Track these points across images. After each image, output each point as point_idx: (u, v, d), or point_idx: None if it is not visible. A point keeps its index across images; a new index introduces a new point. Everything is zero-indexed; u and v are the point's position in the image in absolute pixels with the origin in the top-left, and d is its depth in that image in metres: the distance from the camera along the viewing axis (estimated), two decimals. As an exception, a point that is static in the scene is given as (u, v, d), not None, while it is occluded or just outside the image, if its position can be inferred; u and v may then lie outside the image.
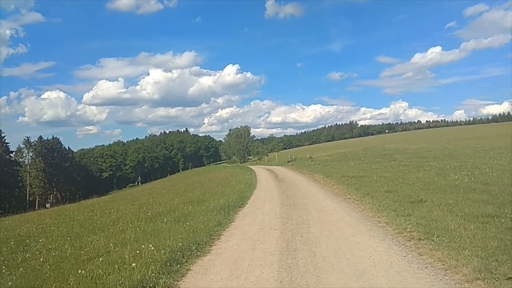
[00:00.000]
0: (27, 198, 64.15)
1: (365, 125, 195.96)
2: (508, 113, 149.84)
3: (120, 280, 4.42)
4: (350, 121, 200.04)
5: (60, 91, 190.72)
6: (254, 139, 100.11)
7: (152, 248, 5.51)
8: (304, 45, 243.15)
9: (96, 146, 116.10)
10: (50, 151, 72.19)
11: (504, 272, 3.71)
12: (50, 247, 8.05)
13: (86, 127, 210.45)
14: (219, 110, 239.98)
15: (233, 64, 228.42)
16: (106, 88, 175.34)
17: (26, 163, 70.64)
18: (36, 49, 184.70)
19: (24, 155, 72.06)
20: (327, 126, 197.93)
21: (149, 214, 10.64)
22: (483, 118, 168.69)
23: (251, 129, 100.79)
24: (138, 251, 5.55)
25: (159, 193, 21.01)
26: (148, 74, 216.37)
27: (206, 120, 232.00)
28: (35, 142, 71.88)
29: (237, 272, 4.60)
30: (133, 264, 4.79)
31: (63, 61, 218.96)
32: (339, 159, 31.12)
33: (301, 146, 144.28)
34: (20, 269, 6.11)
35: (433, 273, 4.00)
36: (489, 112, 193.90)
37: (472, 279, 3.72)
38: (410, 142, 48.82)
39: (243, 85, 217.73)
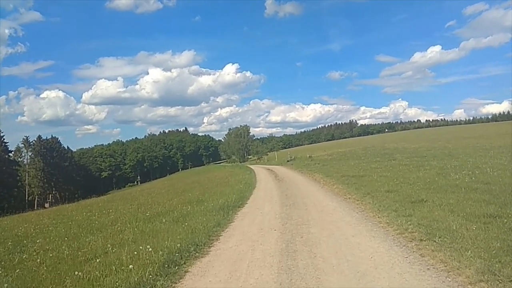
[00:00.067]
0: (26, 198, 63.94)
1: (364, 124, 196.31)
2: (508, 112, 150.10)
3: (117, 282, 4.35)
4: (350, 121, 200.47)
5: (59, 90, 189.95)
6: (254, 138, 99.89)
7: (150, 249, 5.44)
8: (303, 44, 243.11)
9: (95, 145, 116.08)
10: (49, 150, 72.02)
11: (507, 274, 3.64)
12: (47, 248, 7.97)
13: (85, 127, 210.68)
14: (219, 109, 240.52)
15: (233, 63, 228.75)
16: (105, 87, 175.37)
17: (25, 162, 70.39)
18: (35, 48, 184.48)
19: (23, 154, 71.90)
20: (326, 126, 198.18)
21: (147, 214, 10.56)
22: (483, 117, 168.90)
23: (250, 129, 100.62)
24: (135, 252, 5.49)
25: (158, 193, 20.93)
26: (148, 73, 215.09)
27: (205, 120, 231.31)
28: (34, 141, 71.68)
29: (236, 273, 4.52)
30: (130, 266, 4.72)
31: (62, 60, 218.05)
32: (339, 158, 31.06)
33: (301, 145, 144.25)
34: (17, 271, 6.04)
35: (435, 275, 3.93)
36: (489, 111, 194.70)
37: (475, 281, 3.65)
38: (410, 141, 48.81)
39: (243, 84, 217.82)
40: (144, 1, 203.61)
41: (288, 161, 38.16)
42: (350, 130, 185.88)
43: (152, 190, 26.97)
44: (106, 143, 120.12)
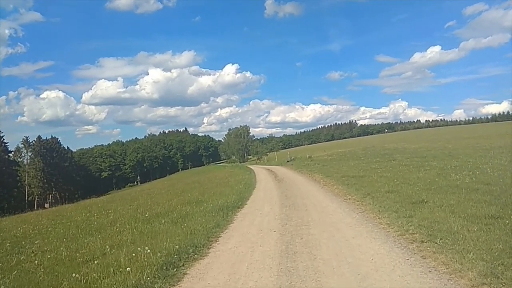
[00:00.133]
0: (26, 198, 63.90)
1: (364, 124, 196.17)
2: (508, 112, 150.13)
3: (114, 284, 4.30)
4: (349, 121, 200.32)
5: (59, 90, 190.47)
6: (254, 138, 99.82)
7: (149, 251, 5.38)
8: (303, 44, 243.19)
9: (95, 145, 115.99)
10: (49, 151, 71.96)
11: (510, 276, 3.58)
12: (45, 249, 7.92)
13: (85, 127, 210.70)
14: (219, 109, 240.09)
15: (233, 64, 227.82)
16: (105, 87, 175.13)
17: (25, 163, 70.38)
18: (35, 48, 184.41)
19: (23, 155, 71.95)
20: (326, 126, 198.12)
21: (146, 215, 10.50)
22: (483, 117, 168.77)
23: (250, 129, 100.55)
24: (134, 254, 5.42)
25: (158, 193, 20.88)
26: (147, 74, 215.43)
27: (205, 120, 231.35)
28: (34, 142, 71.64)
29: (235, 276, 4.47)
30: (128, 268, 4.65)
31: (62, 61, 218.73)
32: (338, 158, 31.04)
33: (301, 145, 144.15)
34: (14, 272, 5.96)
35: (437, 278, 3.88)
36: (488, 111, 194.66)
37: (478, 284, 3.59)
38: (410, 142, 48.80)
39: (243, 84, 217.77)
40: (144, 2, 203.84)
41: (288, 161, 38.13)
42: (350, 130, 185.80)
43: (151, 190, 26.92)
44: (106, 144, 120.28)
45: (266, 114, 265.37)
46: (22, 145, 71.28)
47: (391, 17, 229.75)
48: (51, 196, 67.57)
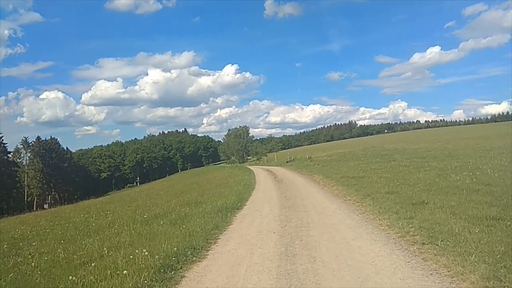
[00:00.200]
0: (25, 199, 63.76)
1: (364, 125, 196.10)
2: (507, 112, 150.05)
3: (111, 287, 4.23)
4: (349, 121, 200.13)
5: (58, 91, 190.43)
6: (253, 139, 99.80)
7: (146, 253, 5.32)
8: (303, 45, 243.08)
9: (94, 146, 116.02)
10: (48, 151, 71.83)
11: (513, 279, 3.52)
12: (43, 250, 7.84)
13: (85, 127, 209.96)
14: (218, 110, 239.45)
15: (232, 64, 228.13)
16: (105, 88, 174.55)
17: (24, 163, 70.26)
18: (35, 49, 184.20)
19: (22, 155, 71.80)
20: (326, 126, 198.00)
21: (145, 216, 10.44)
22: (482, 118, 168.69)
23: (250, 129, 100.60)
24: (131, 256, 5.36)
25: (157, 194, 20.83)
26: (147, 74, 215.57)
27: (205, 120, 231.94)
28: (33, 142, 71.56)
29: (234, 279, 4.40)
30: (125, 271, 4.59)
31: (62, 61, 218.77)
32: (338, 159, 31.00)
33: (300, 146, 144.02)
34: (11, 275, 5.89)
35: (439, 281, 3.81)
36: (488, 112, 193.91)
37: (481, 287, 3.53)
38: (410, 142, 48.76)
39: (242, 85, 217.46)
40: (143, 2, 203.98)
41: (287, 162, 38.09)
42: (350, 130, 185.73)
43: (151, 191, 26.87)
44: (106, 144, 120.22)
45: (266, 115, 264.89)
46: (21, 146, 71.24)
47: (390, 18, 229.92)
48: (50, 197, 67.37)
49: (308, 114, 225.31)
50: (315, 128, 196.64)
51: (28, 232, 11.83)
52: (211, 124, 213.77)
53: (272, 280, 4.25)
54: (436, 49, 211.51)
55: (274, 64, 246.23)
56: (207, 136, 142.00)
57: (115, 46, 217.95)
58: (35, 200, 65.89)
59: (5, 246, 9.50)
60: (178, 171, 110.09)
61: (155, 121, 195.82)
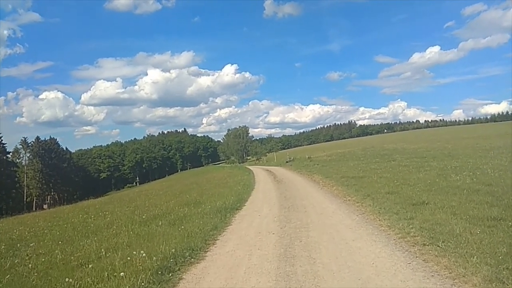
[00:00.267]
0: (24, 199, 63.68)
1: (364, 125, 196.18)
2: (507, 112, 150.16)
3: (108, 290, 4.17)
4: (348, 121, 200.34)
5: (58, 91, 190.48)
6: (253, 139, 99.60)
7: (144, 254, 5.25)
8: (302, 45, 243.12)
9: (94, 146, 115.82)
10: (47, 151, 71.70)
11: (516, 281, 3.47)
12: (40, 252, 7.77)
13: (84, 128, 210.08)
14: (218, 110, 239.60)
15: (232, 64, 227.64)
16: (104, 88, 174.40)
17: (23, 164, 70.18)
18: (34, 49, 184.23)
19: (21, 155, 71.69)
20: (325, 126, 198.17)
21: (144, 216, 10.37)
22: (482, 117, 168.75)
23: (249, 129, 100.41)
24: (129, 258, 5.30)
25: (156, 195, 20.75)
26: (146, 74, 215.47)
27: (204, 120, 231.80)
28: (32, 142, 71.46)
29: (232, 281, 4.34)
30: (122, 273, 4.52)
31: (61, 61, 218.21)
32: (338, 159, 30.95)
33: (300, 146, 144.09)
34: (7, 276, 5.83)
35: (440, 283, 3.76)
36: (487, 111, 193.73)
37: (483, 289, 3.48)
38: (409, 142, 48.71)
39: (242, 85, 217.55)
40: (143, 2, 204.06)
41: (287, 162, 38.00)
42: (349, 130, 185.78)
43: (150, 191, 26.79)
44: (105, 144, 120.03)
45: (265, 115, 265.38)
46: (21, 146, 71.16)
47: (390, 17, 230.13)
48: (50, 197, 67.31)
49: (308, 114, 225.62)
50: (314, 128, 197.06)
51: (26, 233, 11.75)
52: (210, 124, 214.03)
53: (271, 282, 4.19)
54: (436, 49, 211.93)
55: (273, 64, 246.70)
56: (207, 136, 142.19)
57: (115, 46, 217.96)
58: (35, 200, 65.77)
59: (3, 247, 9.42)
60: (177, 171, 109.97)
61: (154, 121, 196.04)
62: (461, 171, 12.48)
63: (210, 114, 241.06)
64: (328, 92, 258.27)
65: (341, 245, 5.42)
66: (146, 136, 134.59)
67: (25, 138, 71.77)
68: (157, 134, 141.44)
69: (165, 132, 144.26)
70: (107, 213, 13.74)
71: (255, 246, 5.80)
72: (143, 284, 4.24)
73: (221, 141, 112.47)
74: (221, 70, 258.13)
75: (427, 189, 9.44)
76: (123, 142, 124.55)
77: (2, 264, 7.22)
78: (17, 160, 70.58)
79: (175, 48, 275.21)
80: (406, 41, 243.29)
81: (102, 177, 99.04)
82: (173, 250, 5.50)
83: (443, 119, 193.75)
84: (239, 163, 76.66)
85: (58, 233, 10.58)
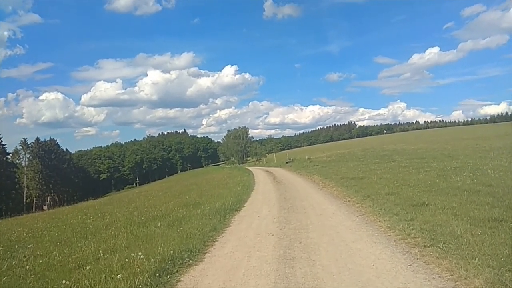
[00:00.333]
0: (24, 200, 63.60)
1: (363, 125, 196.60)
2: (506, 113, 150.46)
3: (105, 292, 4.11)
4: (348, 122, 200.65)
5: (58, 92, 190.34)
6: (253, 140, 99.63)
7: (142, 256, 5.20)
8: (302, 45, 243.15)
9: (94, 147, 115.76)
10: (47, 152, 71.63)
11: (519, 284, 3.42)
12: (38, 253, 7.72)
13: (84, 129, 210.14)
14: (218, 111, 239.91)
15: (232, 65, 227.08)
16: (104, 89, 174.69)
17: (23, 164, 70.09)
18: (34, 50, 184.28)
19: (21, 156, 71.56)
20: (325, 127, 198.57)
21: (143, 218, 10.32)
22: (481, 118, 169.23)
23: (249, 130, 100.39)
24: (127, 260, 5.25)
25: (155, 195, 20.69)
26: (146, 75, 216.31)
27: (204, 121, 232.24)
28: (32, 143, 71.39)
29: (231, 283, 4.29)
30: (119, 276, 4.47)
31: (61, 62, 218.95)
32: (337, 160, 30.89)
33: (300, 147, 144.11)
34: (4, 278, 5.78)
35: (442, 285, 3.70)
36: (487, 112, 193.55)
37: (485, 292, 3.42)
38: (409, 143, 48.63)
39: (242, 86, 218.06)
40: (143, 3, 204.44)
41: (286, 162, 37.92)
42: (349, 131, 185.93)
43: (149, 192, 26.73)
44: (105, 145, 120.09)
45: (265, 116, 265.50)
46: (21, 147, 71.04)
47: (389, 18, 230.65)
48: (50, 198, 67.17)
49: (308, 115, 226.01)
50: (314, 129, 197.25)
51: (25, 234, 11.69)
52: (210, 125, 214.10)
53: (270, 284, 4.14)
54: (435, 50, 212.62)
55: (273, 65, 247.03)
56: (207, 137, 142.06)
57: (115, 47, 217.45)
58: (34, 201, 65.62)
59: (1, 248, 9.35)
60: (177, 172, 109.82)
61: (154, 122, 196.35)
62: (461, 172, 12.43)
63: (210, 115, 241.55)
64: (328, 93, 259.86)
65: (341, 247, 5.37)
66: (146, 137, 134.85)
67: (25, 139, 71.83)
68: (157, 135, 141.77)
69: (165, 133, 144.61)
70: (106, 214, 13.67)
71: (254, 248, 5.74)
72: (140, 286, 4.18)
73: (221, 142, 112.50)
74: (221, 71, 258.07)
75: (427, 190, 9.39)
76: (123, 143, 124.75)
77: (0, 266, 7.18)
78: (17, 161, 70.52)
79: (175, 49, 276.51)
80: (405, 42, 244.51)
81: (102, 178, 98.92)
82: (171, 251, 5.45)
83: (442, 120, 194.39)
84: (239, 164, 76.54)
85: (56, 234, 10.51)
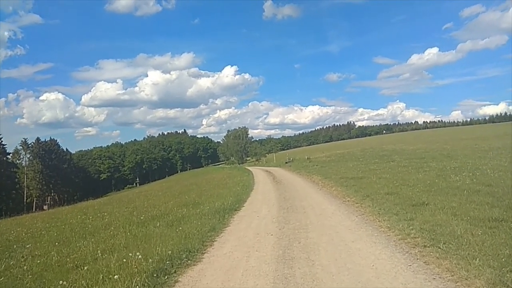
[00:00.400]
0: (24, 200, 63.53)
1: (362, 126, 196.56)
2: (505, 113, 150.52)
3: (102, 293, 4.08)
4: (348, 122, 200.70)
5: (58, 92, 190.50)
6: (252, 140, 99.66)
7: (140, 256, 5.16)
8: (302, 46, 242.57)
9: (94, 147, 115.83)
10: (47, 152, 71.57)
11: (520, 284, 3.38)
12: (36, 253, 7.68)
13: (85, 129, 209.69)
14: (218, 111, 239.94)
15: (232, 65, 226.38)
16: (105, 89, 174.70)
17: (23, 165, 70.01)
18: (35, 50, 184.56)
19: (21, 156, 71.49)
20: (325, 127, 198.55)
21: (142, 217, 10.28)
22: (480, 118, 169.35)
23: (249, 130, 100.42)
24: (125, 260, 5.21)
25: (155, 195, 20.65)
26: (147, 76, 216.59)
27: (204, 121, 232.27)
28: (32, 143, 71.33)
29: (229, 284, 4.26)
30: (116, 276, 4.43)
31: (62, 63, 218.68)
32: (337, 160, 30.86)
33: (299, 147, 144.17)
34: (1, 278, 5.75)
35: (442, 286, 3.67)
36: (486, 112, 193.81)
37: (486, 292, 3.39)
38: (408, 143, 48.58)
39: (242, 86, 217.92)
40: (143, 3, 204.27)
41: (286, 162, 37.88)
42: (348, 131, 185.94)
43: (149, 192, 26.69)
44: (105, 145, 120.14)
45: (265, 116, 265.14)
46: (21, 147, 70.97)
47: (389, 19, 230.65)
48: (50, 198, 67.16)
49: (307, 115, 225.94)
50: (314, 129, 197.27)
51: (24, 234, 11.65)
52: (210, 125, 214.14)
53: (269, 284, 4.11)
54: (434, 50, 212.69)
55: (273, 65, 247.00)
56: (207, 137, 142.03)
57: (115, 48, 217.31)
58: (35, 201, 65.55)
59: (-1, 248, 9.34)
60: (177, 172, 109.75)
61: (154, 122, 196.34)
62: (460, 172, 12.40)
63: (210, 115, 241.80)
64: (327, 93, 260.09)
65: (340, 247, 5.33)
66: (146, 137, 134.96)
67: (25, 139, 71.80)
68: (157, 135, 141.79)
69: (165, 133, 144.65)
70: (105, 214, 13.63)
71: (253, 248, 5.71)
72: (137, 287, 4.14)
73: (221, 142, 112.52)
74: (221, 71, 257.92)
75: (426, 189, 9.36)
76: (123, 143, 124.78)
77: (-3, 266, 7.14)
78: (17, 161, 70.46)
79: (175, 50, 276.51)
80: (405, 42, 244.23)
81: (102, 178, 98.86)
82: (170, 251, 5.41)
83: (441, 120, 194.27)
84: (239, 164, 76.48)
85: (55, 234, 10.47)
